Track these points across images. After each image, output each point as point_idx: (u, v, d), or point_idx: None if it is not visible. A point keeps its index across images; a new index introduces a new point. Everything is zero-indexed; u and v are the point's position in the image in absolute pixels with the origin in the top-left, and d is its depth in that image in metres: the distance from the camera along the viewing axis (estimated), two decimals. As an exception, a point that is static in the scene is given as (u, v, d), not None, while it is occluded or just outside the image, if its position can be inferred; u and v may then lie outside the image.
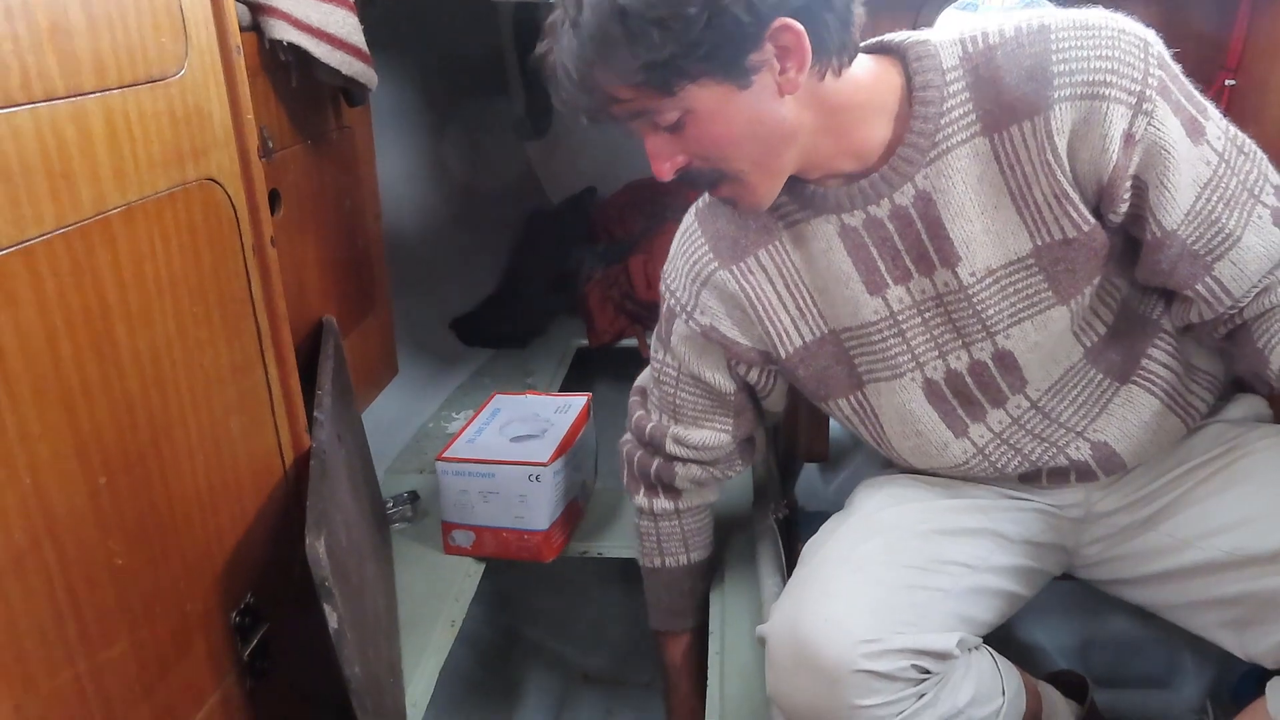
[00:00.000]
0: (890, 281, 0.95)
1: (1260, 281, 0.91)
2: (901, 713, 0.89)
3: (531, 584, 1.63)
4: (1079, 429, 1.01)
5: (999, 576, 1.04)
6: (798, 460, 1.50)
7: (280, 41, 1.17)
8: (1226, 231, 0.89)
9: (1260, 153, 0.92)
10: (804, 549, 1.06)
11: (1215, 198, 0.89)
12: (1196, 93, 0.90)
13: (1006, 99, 0.87)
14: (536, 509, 1.35)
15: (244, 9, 1.18)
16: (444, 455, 1.37)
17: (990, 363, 0.98)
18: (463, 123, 2.43)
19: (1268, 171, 0.91)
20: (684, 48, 0.79)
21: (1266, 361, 0.91)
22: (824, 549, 1.02)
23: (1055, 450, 1.01)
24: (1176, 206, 0.88)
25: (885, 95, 0.90)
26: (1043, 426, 1.01)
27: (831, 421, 1.47)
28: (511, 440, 1.42)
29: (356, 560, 1.04)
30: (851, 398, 1.04)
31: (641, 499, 1.22)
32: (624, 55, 0.80)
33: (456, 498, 1.38)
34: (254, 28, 1.14)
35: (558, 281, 2.33)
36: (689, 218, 1.09)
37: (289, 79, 1.24)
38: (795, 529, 1.43)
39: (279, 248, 1.20)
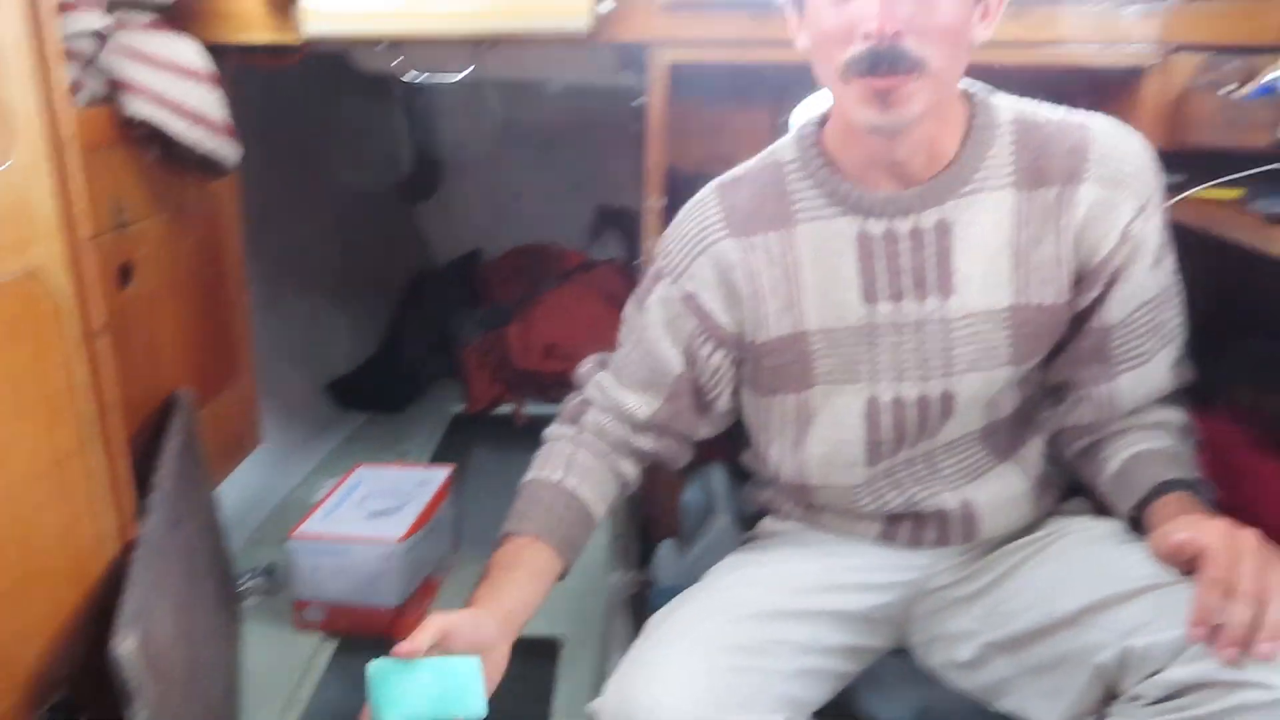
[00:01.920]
0: (882, 296, 1.01)
1: (1138, 407, 1.04)
2: (724, 794, 0.92)
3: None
4: (955, 485, 1.09)
5: (829, 657, 1.09)
6: (653, 535, 1.53)
7: (136, 117, 1.17)
8: (1142, 351, 1.02)
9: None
10: (645, 626, 1.08)
11: (1149, 319, 1.01)
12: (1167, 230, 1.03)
13: (1044, 164, 0.98)
14: (389, 586, 1.35)
15: (101, 81, 1.18)
16: (296, 532, 1.36)
17: (935, 400, 1.04)
18: (348, 184, 2.43)
19: (1181, 324, 1.05)
20: None
21: (1100, 471, 1.03)
22: (660, 629, 1.05)
23: (931, 495, 1.09)
24: (1125, 306, 1.00)
25: (960, 117, 0.99)
26: (927, 474, 1.08)
27: (683, 499, 1.51)
28: (369, 515, 1.42)
29: (186, 649, 1.03)
30: (799, 395, 1.08)
31: (546, 432, 1.14)
32: None
33: (309, 574, 1.37)
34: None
35: (439, 345, 2.33)
36: (706, 191, 1.10)
37: (148, 150, 1.24)
38: (648, 604, 1.45)
39: (129, 321, 1.20)
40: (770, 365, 1.07)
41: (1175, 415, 1.05)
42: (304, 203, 2.21)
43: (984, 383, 1.03)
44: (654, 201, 1.40)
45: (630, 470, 1.12)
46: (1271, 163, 1.27)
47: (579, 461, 1.09)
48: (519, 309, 2.20)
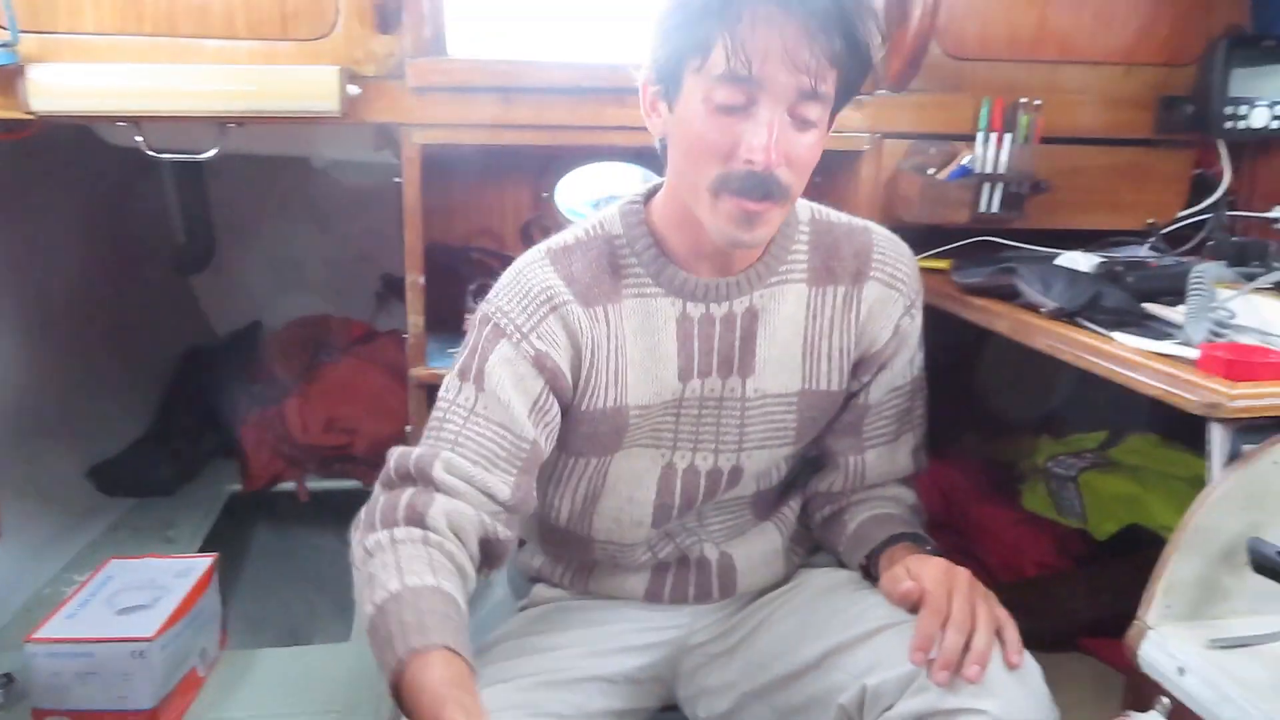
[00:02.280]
0: (694, 373, 1.06)
1: (880, 482, 1.16)
2: None
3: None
4: (718, 540, 1.17)
5: (592, 724, 1.12)
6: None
7: None
8: (888, 433, 1.14)
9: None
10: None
11: (898, 404, 1.13)
12: None
13: (833, 265, 1.07)
14: (141, 687, 1.27)
15: None
16: (33, 636, 1.27)
17: (725, 473, 1.11)
18: (112, 256, 2.31)
19: (924, 416, 1.18)
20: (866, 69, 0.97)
21: (840, 533, 1.15)
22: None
23: (696, 544, 1.16)
24: (882, 389, 1.11)
25: None
26: (696, 526, 1.16)
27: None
28: (118, 612, 1.34)
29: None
30: (602, 458, 1.10)
31: (377, 536, 0.95)
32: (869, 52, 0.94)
33: (49, 680, 1.27)
34: None
35: (214, 422, 2.23)
36: (536, 254, 1.07)
37: None
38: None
39: None
40: (586, 432, 1.08)
41: (909, 494, 1.18)
42: (58, 277, 2.08)
43: (768, 459, 1.13)
44: (414, 277, 1.41)
45: (472, 575, 0.99)
46: (972, 237, 1.43)
47: (439, 563, 0.94)
48: (299, 382, 2.15)
